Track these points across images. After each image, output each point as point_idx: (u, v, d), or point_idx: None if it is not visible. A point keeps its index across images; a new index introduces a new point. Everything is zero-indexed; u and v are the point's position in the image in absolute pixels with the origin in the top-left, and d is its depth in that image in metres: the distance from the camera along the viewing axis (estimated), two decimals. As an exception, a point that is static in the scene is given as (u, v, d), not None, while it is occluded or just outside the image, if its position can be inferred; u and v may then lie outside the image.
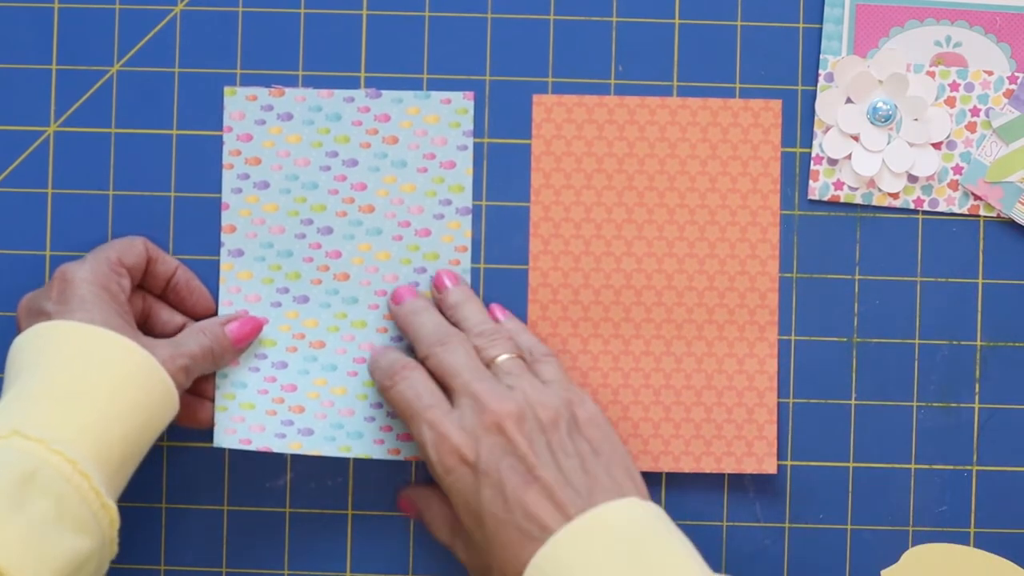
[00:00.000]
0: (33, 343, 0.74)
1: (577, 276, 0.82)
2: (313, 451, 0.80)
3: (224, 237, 0.82)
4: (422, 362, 0.78)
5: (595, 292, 0.82)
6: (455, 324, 0.79)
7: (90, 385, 0.72)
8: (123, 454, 0.72)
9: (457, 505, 0.74)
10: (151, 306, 0.81)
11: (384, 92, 0.82)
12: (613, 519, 0.71)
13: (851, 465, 0.83)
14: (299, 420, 0.80)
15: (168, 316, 0.81)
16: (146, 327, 0.81)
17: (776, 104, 0.82)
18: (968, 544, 0.82)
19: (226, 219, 0.82)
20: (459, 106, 0.82)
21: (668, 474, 0.83)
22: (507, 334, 0.79)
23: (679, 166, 0.82)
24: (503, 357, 0.77)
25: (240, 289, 0.82)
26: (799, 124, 0.82)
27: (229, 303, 0.82)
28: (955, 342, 0.82)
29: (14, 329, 0.80)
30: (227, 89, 0.82)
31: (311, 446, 0.80)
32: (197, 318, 0.81)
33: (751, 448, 0.82)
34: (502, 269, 0.83)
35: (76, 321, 0.73)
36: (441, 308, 0.81)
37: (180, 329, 0.80)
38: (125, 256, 0.78)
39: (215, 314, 0.82)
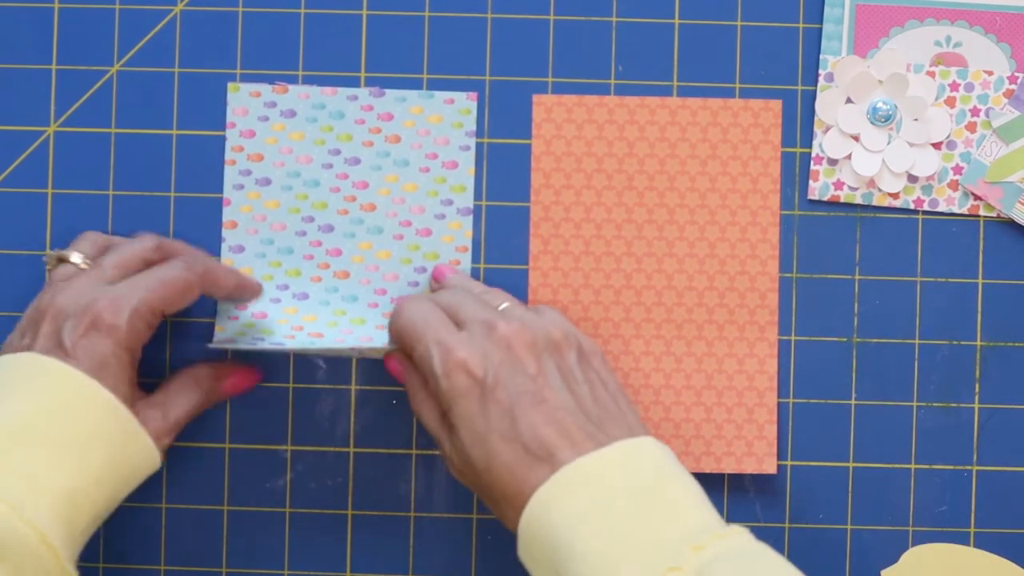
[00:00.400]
0: (34, 370, 0.72)
1: (577, 276, 0.82)
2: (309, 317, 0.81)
3: (225, 233, 0.82)
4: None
5: (595, 292, 0.82)
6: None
7: (79, 448, 0.70)
8: (93, 519, 0.71)
9: (459, 422, 0.72)
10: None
11: (387, 91, 0.82)
12: (621, 457, 0.69)
13: (851, 465, 0.83)
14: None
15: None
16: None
17: (776, 104, 0.82)
18: (968, 544, 0.82)
19: (227, 215, 0.82)
20: (462, 106, 0.82)
21: (668, 474, 0.83)
22: (500, 291, 0.79)
23: (679, 166, 0.82)
24: (506, 304, 0.76)
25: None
26: (799, 124, 0.82)
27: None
28: (955, 342, 0.82)
29: (12, 329, 0.80)
30: (231, 85, 0.82)
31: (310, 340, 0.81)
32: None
33: (751, 448, 0.82)
34: (502, 269, 0.83)
35: (87, 376, 0.71)
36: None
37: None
38: (169, 306, 0.75)
39: (260, 294, 0.81)
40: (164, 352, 0.82)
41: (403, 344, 0.75)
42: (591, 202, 0.82)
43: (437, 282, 0.81)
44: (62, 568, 0.68)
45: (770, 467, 0.82)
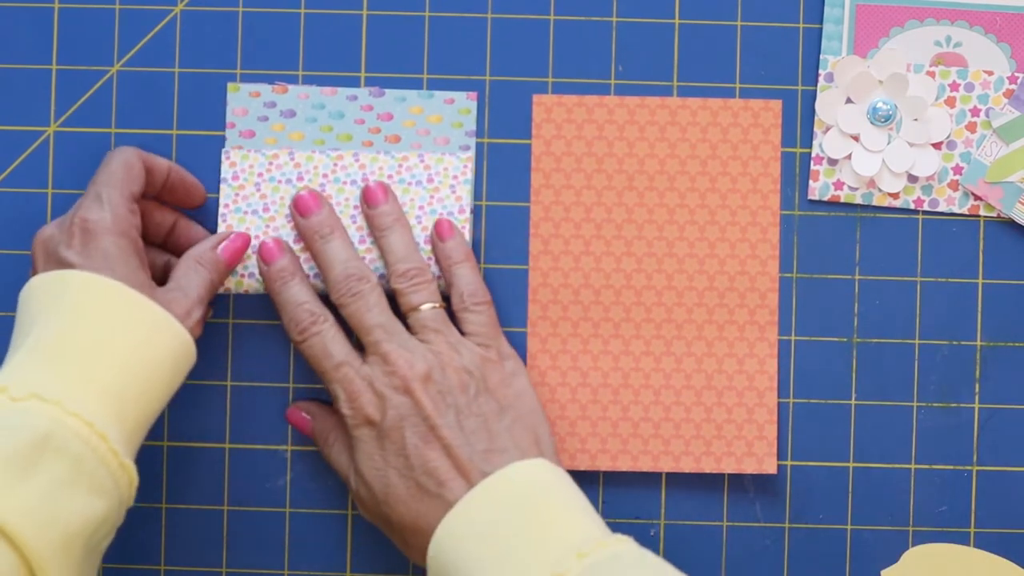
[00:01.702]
0: (51, 289, 0.73)
1: (577, 276, 0.82)
2: None
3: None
4: (335, 304, 0.78)
5: (595, 292, 0.82)
6: (381, 251, 0.80)
7: (110, 344, 0.71)
8: (140, 413, 0.72)
9: (360, 458, 0.76)
10: (144, 207, 0.80)
11: (387, 91, 0.82)
12: (506, 482, 0.73)
13: (851, 465, 0.83)
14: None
15: (161, 217, 0.81)
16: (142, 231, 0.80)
17: (776, 104, 0.82)
18: (968, 544, 0.82)
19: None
20: (462, 106, 0.82)
21: (668, 474, 0.83)
22: (430, 277, 0.79)
23: (679, 166, 0.82)
24: (425, 307, 0.78)
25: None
26: (799, 124, 0.82)
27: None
28: (955, 342, 0.82)
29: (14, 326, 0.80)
30: (230, 85, 0.82)
31: None
32: (191, 210, 0.82)
33: (751, 448, 0.82)
34: (502, 269, 0.83)
35: (98, 275, 0.73)
36: (369, 225, 0.80)
37: (171, 230, 0.81)
38: (135, 187, 0.77)
39: (205, 201, 0.82)
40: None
41: (309, 364, 0.78)
42: (591, 202, 0.82)
43: (367, 206, 0.80)
44: (119, 461, 0.69)
45: (770, 467, 0.82)
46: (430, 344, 0.77)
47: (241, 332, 0.83)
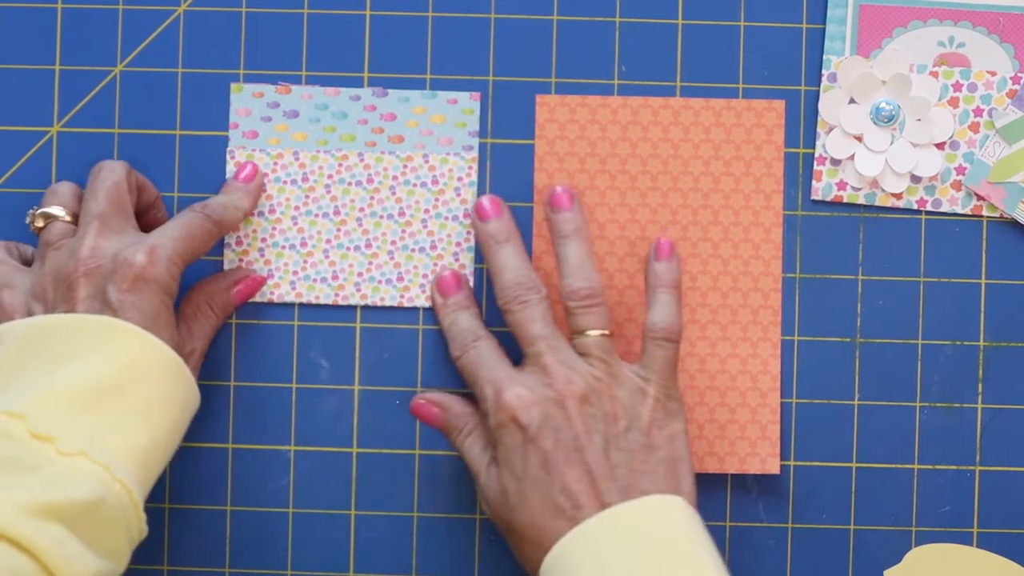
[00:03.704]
0: (97, 331, 0.72)
1: None
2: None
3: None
4: (501, 309, 0.78)
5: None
6: (556, 258, 0.79)
7: (149, 408, 0.72)
8: (159, 471, 0.74)
9: (501, 460, 0.75)
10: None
11: (390, 91, 0.82)
12: (639, 514, 0.72)
13: (854, 465, 0.83)
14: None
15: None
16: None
17: (779, 104, 0.82)
18: (971, 544, 0.82)
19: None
20: (465, 106, 0.82)
21: (671, 474, 0.83)
22: (602, 300, 0.78)
23: (682, 167, 0.82)
24: (593, 332, 0.77)
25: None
26: (802, 124, 0.82)
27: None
28: (958, 342, 0.82)
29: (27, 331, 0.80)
30: (233, 86, 0.82)
31: None
32: None
33: (754, 448, 0.82)
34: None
35: (152, 336, 0.73)
36: (549, 230, 0.80)
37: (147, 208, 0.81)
38: (195, 255, 0.77)
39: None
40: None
41: (465, 378, 0.78)
42: (594, 202, 0.82)
43: (551, 209, 0.80)
44: (140, 520, 0.71)
45: (773, 467, 0.82)
46: (592, 368, 0.76)
47: (245, 333, 0.83)
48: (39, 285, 0.76)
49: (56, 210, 0.78)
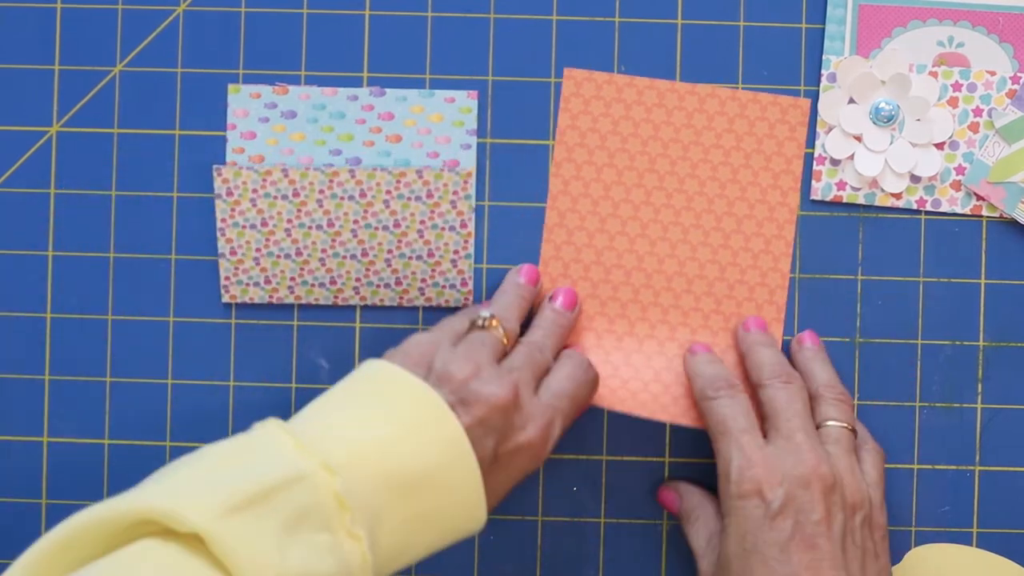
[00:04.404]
0: (459, 460, 0.69)
1: (589, 252, 0.82)
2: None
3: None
4: (756, 387, 0.78)
5: (605, 271, 0.82)
6: (802, 373, 0.80)
7: (436, 513, 0.70)
8: None
9: (732, 529, 0.74)
10: None
11: (388, 90, 0.82)
12: None
13: (854, 465, 0.82)
14: None
15: None
16: None
17: (805, 103, 0.82)
18: (971, 544, 0.82)
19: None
20: (463, 105, 0.82)
21: (672, 471, 0.83)
22: (852, 404, 0.79)
23: (702, 154, 0.82)
24: (836, 424, 0.77)
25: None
26: (802, 124, 0.82)
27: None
28: (958, 342, 0.82)
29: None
30: (231, 87, 0.82)
31: None
32: None
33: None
34: (503, 269, 0.83)
35: (484, 499, 0.71)
36: (791, 357, 0.81)
37: None
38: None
39: None
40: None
41: (708, 422, 0.78)
42: (611, 180, 0.82)
43: (799, 344, 0.82)
44: None
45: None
46: (837, 458, 0.76)
47: (245, 333, 0.83)
48: (456, 363, 0.73)
49: (498, 331, 0.76)
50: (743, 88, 0.82)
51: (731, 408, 0.77)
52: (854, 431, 0.77)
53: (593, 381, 0.77)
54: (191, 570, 0.60)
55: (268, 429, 0.67)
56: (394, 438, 0.68)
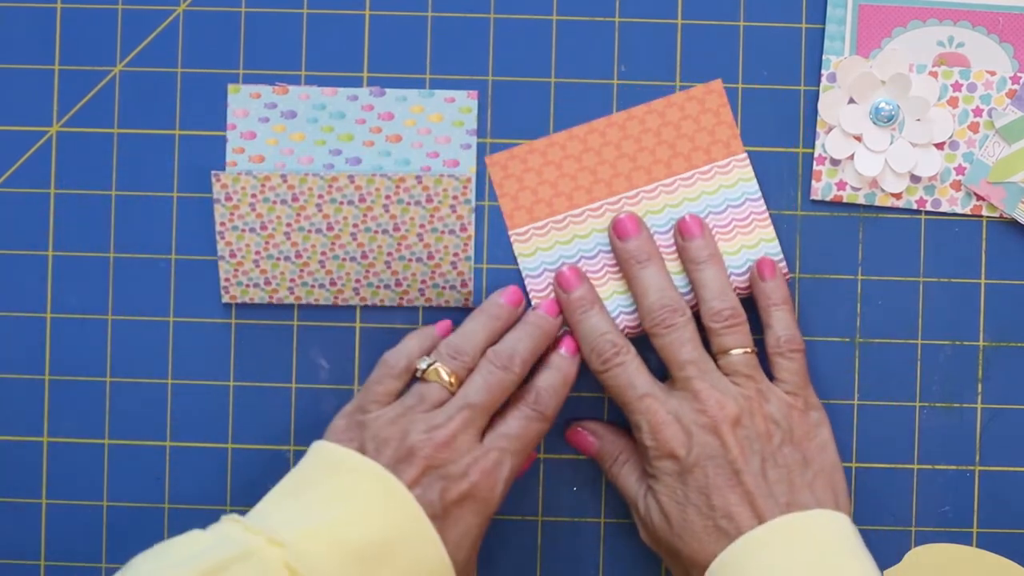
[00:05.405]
0: (408, 514, 0.72)
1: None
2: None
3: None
4: (647, 331, 0.78)
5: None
6: (692, 283, 0.80)
7: None
8: None
9: (659, 489, 0.76)
10: None
11: (388, 90, 0.82)
12: (800, 527, 0.73)
13: (854, 465, 0.82)
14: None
15: None
16: None
17: (717, 84, 0.82)
18: (971, 544, 0.82)
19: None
20: (463, 105, 0.82)
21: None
22: (744, 319, 0.78)
23: (647, 176, 0.82)
24: (736, 352, 0.77)
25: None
26: (802, 124, 0.82)
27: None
28: (958, 342, 0.82)
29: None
30: (231, 87, 0.82)
31: None
32: None
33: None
34: (504, 269, 0.83)
35: (444, 551, 0.72)
36: (681, 257, 0.80)
37: None
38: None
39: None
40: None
41: (610, 394, 0.78)
42: (568, 220, 0.82)
43: (682, 238, 0.80)
44: None
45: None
46: (740, 388, 0.76)
47: (245, 333, 0.83)
48: (389, 426, 0.75)
49: (444, 374, 0.77)
50: (742, 87, 0.82)
51: (624, 375, 0.77)
52: (754, 351, 0.77)
53: (536, 438, 0.77)
54: None
55: (220, 523, 0.70)
56: (345, 512, 0.70)
